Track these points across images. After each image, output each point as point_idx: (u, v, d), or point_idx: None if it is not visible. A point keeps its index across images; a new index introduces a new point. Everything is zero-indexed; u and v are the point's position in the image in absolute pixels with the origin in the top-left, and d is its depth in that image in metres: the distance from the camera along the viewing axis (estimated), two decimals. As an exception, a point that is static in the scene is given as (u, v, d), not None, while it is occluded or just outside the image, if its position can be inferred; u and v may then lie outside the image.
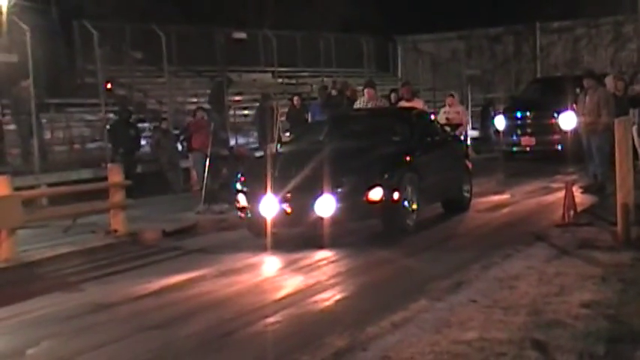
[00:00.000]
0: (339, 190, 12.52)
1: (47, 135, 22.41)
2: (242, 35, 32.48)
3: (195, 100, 26.21)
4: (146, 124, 22.81)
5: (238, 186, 13.33)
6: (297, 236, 12.48)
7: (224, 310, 8.99)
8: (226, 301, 9.43)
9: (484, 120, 28.32)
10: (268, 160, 13.58)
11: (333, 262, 11.43)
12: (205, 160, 17.82)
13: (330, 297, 9.50)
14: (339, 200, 12.46)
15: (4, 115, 20.88)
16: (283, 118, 23.24)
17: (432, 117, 17.64)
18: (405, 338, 7.15)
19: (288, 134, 19.06)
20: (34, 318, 8.97)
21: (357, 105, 19.40)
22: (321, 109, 21.59)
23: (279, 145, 16.72)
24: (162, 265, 11.81)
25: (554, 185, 17.05)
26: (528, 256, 10.68)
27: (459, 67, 34.50)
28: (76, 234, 13.63)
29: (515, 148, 24.43)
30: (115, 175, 14.22)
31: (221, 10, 31.76)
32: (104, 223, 13.92)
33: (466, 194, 15.79)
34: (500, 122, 24.97)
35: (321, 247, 12.13)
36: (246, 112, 27.45)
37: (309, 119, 21.92)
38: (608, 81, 18.26)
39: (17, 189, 12.69)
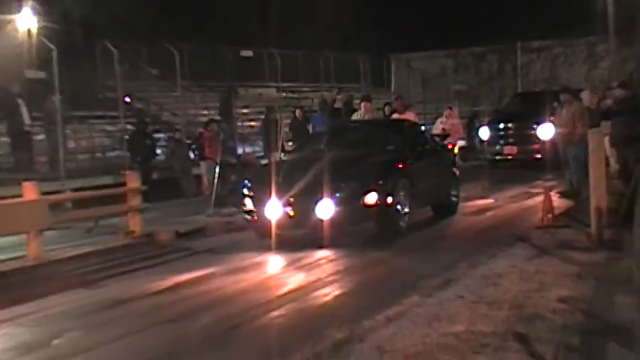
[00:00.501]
0: (338, 194, 12.49)
1: (71, 144, 22.47)
2: (249, 53, 32.48)
3: (205, 112, 26.23)
4: (161, 135, 22.86)
5: (245, 191, 13.31)
6: (299, 237, 12.46)
7: (232, 305, 9.00)
8: (234, 297, 9.43)
9: (470, 131, 28.27)
10: (273, 168, 13.57)
11: (332, 260, 11.42)
12: (215, 168, 17.86)
13: (329, 293, 9.50)
14: (337, 204, 12.44)
15: (32, 126, 20.92)
16: (287, 129, 23.21)
17: (423, 128, 17.62)
18: (398, 331, 7.16)
19: (290, 144, 19.01)
20: (59, 312, 8.99)
21: (355, 117, 19.41)
22: (327, 119, 21.55)
23: (282, 154, 16.69)
24: (175, 264, 11.82)
25: (534, 190, 17.04)
26: (511, 255, 10.68)
27: (447, 82, 34.55)
28: (98, 235, 13.64)
29: (498, 157, 24.42)
30: (133, 181, 14.27)
31: (229, 29, 31.77)
32: (123, 225, 13.95)
33: (454, 199, 15.73)
34: (484, 133, 25.00)
35: (321, 247, 12.10)
36: (252, 123, 27.44)
37: (310, 130, 21.91)
38: (586, 96, 18.31)
39: (44, 194, 12.68)
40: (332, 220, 12.43)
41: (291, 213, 12.53)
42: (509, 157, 24.15)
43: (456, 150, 19.31)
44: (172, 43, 26.02)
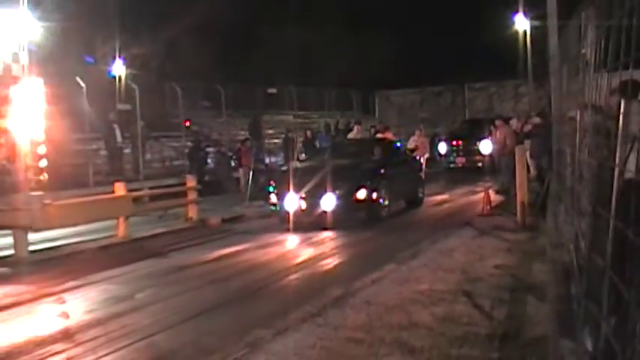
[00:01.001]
0: (337, 191, 12.50)
1: (148, 156, 22.52)
2: (273, 90, 32.54)
3: (242, 133, 26.19)
4: (211, 149, 22.80)
5: (271, 189, 13.32)
6: (310, 223, 12.45)
7: (260, 271, 9.01)
8: (262, 264, 9.44)
9: (432, 146, 28.21)
10: (290, 173, 13.58)
11: (333, 239, 11.41)
12: (249, 173, 17.88)
13: (330, 262, 9.52)
14: (337, 199, 12.46)
15: (122, 143, 21.03)
16: (300, 145, 23.21)
17: (398, 144, 17.58)
18: (380, 289, 7.17)
19: (303, 155, 19.03)
20: (140, 275, 9.04)
21: (350, 136, 19.40)
22: (332, 137, 21.50)
23: (297, 163, 16.71)
24: (221, 241, 11.79)
25: (477, 189, 17.04)
26: (460, 235, 10.69)
27: (415, 111, 34.51)
28: (166, 220, 13.67)
29: (452, 165, 24.31)
30: (191, 181, 14.32)
31: (259, 74, 31.82)
32: (184, 213, 13.96)
33: (420, 195, 15.69)
34: (442, 148, 24.94)
35: (325, 229, 12.07)
36: (275, 140, 27.44)
37: (317, 145, 21.91)
38: (513, 122, 18.27)
39: (129, 190, 12.74)
40: (333, 211, 12.45)
41: (304, 205, 12.51)
42: (460, 165, 24.04)
43: (423, 160, 19.30)
44: (219, 83, 26.11)
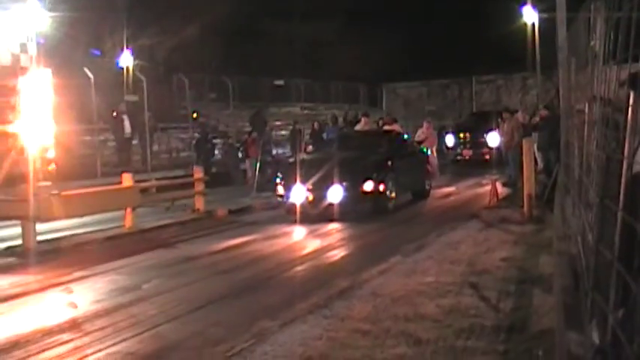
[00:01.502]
0: (344, 183, 12.48)
1: (156, 147, 22.58)
2: (281, 82, 32.55)
3: (249, 125, 26.32)
4: (218, 140, 22.83)
5: (278, 180, 13.32)
6: (316, 214, 12.47)
7: (268, 262, 9.04)
8: (269, 255, 9.48)
9: (439, 139, 28.17)
10: (297, 164, 13.59)
11: (339, 231, 11.44)
12: (256, 164, 17.87)
13: (337, 254, 9.55)
14: (344, 190, 12.45)
15: (130, 134, 21.06)
16: (307, 137, 23.18)
17: (405, 137, 17.55)
18: (386, 281, 7.19)
19: (310, 147, 19.01)
20: (147, 265, 9.07)
21: (357, 128, 19.37)
22: (339, 129, 21.43)
23: (304, 154, 16.71)
24: (228, 232, 11.82)
25: (484, 182, 17.03)
26: (466, 227, 10.72)
27: (422, 104, 34.42)
28: (173, 211, 13.68)
29: (459, 157, 24.23)
30: (198, 173, 14.33)
31: (267, 65, 31.85)
32: (191, 205, 13.96)
33: (427, 187, 15.66)
34: (449, 140, 24.81)
35: (331, 220, 12.09)
36: (283, 132, 27.43)
37: (325, 137, 21.88)
38: (520, 114, 18.26)
39: (137, 182, 12.78)
40: (340, 202, 12.43)
41: (310, 197, 12.51)
42: (467, 158, 23.97)
43: (432, 152, 19.34)
44: (226, 75, 26.15)
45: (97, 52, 25.34)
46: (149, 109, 21.01)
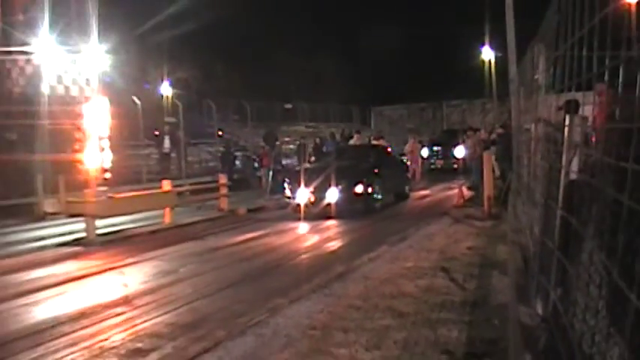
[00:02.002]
0: (340, 186, 12.40)
1: (189, 158, 22.59)
2: (289, 106, 32.59)
3: (263, 140, 26.32)
4: (239, 153, 22.82)
5: (286, 185, 13.24)
6: (317, 213, 12.44)
7: (278, 252, 9.00)
8: (279, 246, 9.43)
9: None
10: (302, 172, 13.55)
11: (336, 226, 11.36)
12: (269, 172, 17.85)
13: (335, 245, 9.50)
14: (339, 192, 12.37)
15: (169, 148, 21.13)
16: (310, 150, 23.18)
17: (390, 150, 17.42)
18: (375, 266, 7.19)
19: (312, 158, 18.97)
20: (182, 254, 9.03)
21: (351, 142, 19.33)
22: (336, 143, 21.37)
23: (308, 164, 16.67)
24: (246, 227, 11.75)
25: (453, 186, 17.00)
26: (439, 223, 10.69)
27: (403, 123, 34.48)
28: (203, 210, 13.66)
29: (432, 166, 24.17)
30: (223, 179, 14.27)
31: (277, 92, 31.89)
32: (217, 205, 13.92)
33: (407, 191, 15.63)
34: (425, 152, 24.73)
35: (329, 218, 12.02)
36: (291, 146, 27.44)
37: (325, 150, 21.86)
38: (481, 132, 18.24)
39: (174, 186, 12.76)
40: (336, 203, 12.37)
41: (312, 198, 12.47)
42: (439, 167, 23.92)
43: (418, 161, 19.69)
44: (246, 100, 26.25)
45: (147, 85, 25.48)
46: (184, 128, 21.07)
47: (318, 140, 23.15)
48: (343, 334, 4.68)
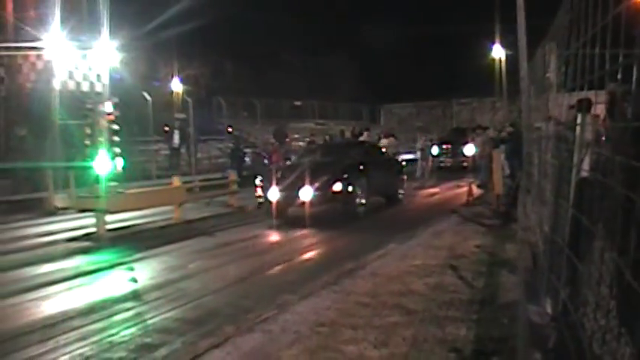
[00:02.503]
0: (315, 184, 11.17)
1: (199, 155, 22.66)
2: (299, 103, 32.60)
3: (272, 137, 26.33)
4: (248, 150, 22.88)
5: (257, 182, 12.37)
6: (291, 212, 11.67)
7: (287, 247, 8.99)
8: (288, 242, 9.43)
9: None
10: (274, 169, 12.79)
11: (345, 224, 11.26)
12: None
13: (344, 241, 9.49)
14: (315, 190, 11.14)
15: (179, 144, 21.22)
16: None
17: (383, 149, 16.02)
18: (384, 263, 7.17)
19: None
20: (191, 250, 9.06)
21: (361, 139, 19.11)
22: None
23: (288, 161, 15.43)
24: (255, 224, 11.66)
25: (462, 184, 16.95)
26: (448, 221, 10.65)
27: (412, 121, 34.42)
28: (212, 206, 13.66)
29: (442, 164, 24.12)
30: (232, 176, 14.29)
31: (288, 89, 31.91)
32: (226, 201, 13.93)
33: (400, 196, 14.17)
34: (434, 150, 24.65)
35: (337, 214, 11.82)
36: (301, 143, 27.47)
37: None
38: (490, 130, 18.17)
39: (184, 182, 12.78)
40: (311, 201, 11.16)
41: (284, 197, 11.42)
42: (448, 165, 23.89)
43: (428, 158, 19.83)
44: (255, 97, 26.29)
45: (157, 82, 25.60)
46: (194, 124, 21.14)
47: (327, 138, 23.12)
48: (352, 330, 4.68)
